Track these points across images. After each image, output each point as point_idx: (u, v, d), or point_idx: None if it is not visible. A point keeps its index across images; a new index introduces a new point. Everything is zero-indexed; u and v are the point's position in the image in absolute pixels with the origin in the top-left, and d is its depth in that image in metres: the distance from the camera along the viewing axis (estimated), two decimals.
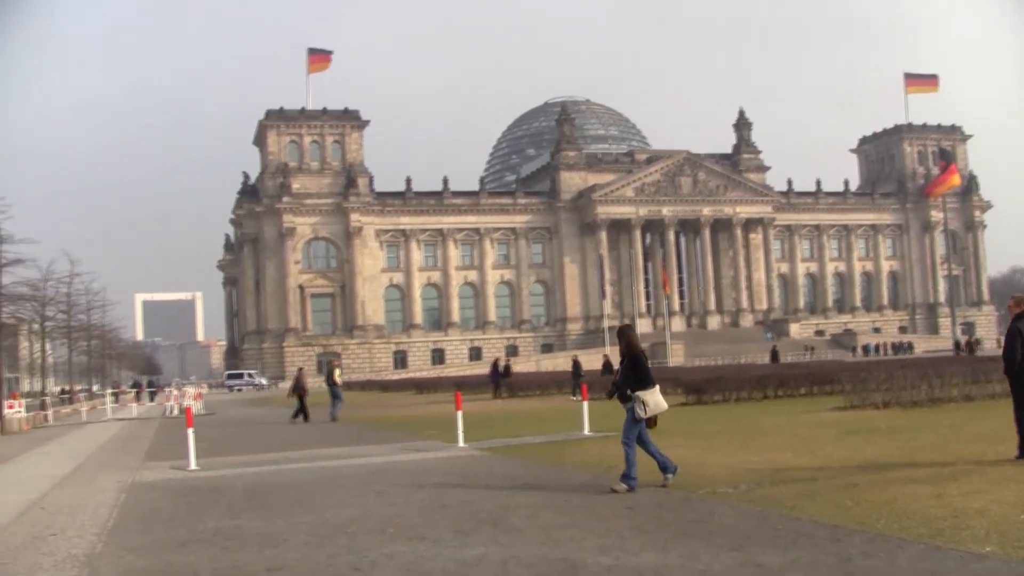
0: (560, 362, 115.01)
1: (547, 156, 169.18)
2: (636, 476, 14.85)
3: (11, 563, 11.61)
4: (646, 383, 15.21)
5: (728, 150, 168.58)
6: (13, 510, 16.39)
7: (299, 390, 41.09)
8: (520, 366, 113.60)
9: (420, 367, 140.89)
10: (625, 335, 15.81)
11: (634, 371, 15.36)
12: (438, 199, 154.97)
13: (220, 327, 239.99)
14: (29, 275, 50.03)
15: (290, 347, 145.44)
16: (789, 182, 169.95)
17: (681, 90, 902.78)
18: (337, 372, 42.73)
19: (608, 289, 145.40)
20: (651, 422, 15.33)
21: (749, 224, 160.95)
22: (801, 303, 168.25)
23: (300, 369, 45.13)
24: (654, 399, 15.26)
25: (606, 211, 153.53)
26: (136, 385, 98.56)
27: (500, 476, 17.74)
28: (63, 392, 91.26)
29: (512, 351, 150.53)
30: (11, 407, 50.94)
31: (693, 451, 19.81)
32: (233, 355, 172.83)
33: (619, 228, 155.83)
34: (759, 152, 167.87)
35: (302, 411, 39.77)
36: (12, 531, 14.16)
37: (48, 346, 73.09)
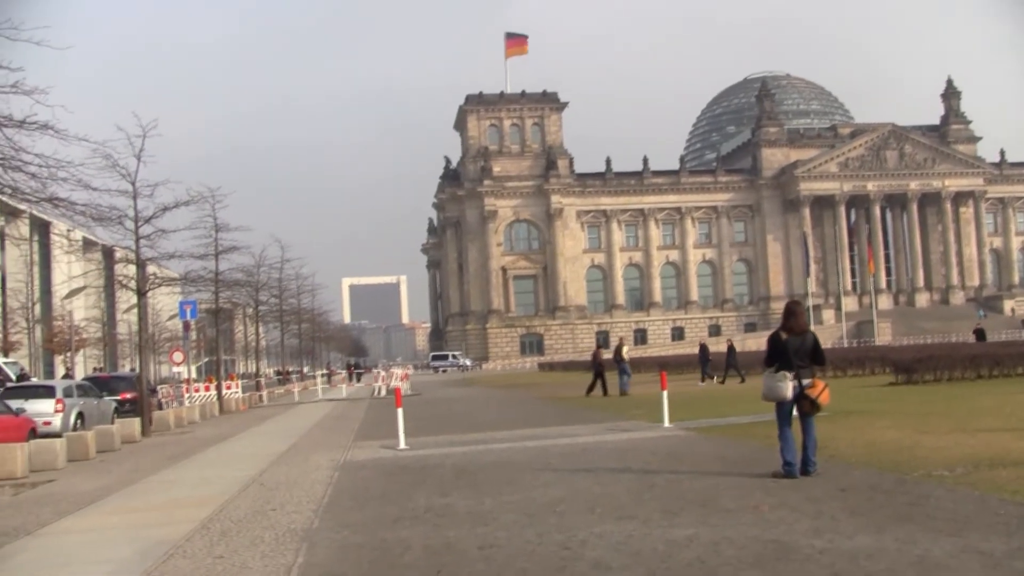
0: (764, 342, 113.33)
1: (748, 133, 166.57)
2: (792, 461, 14.27)
3: (236, 536, 12.05)
4: (773, 364, 14.53)
5: (935, 121, 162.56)
6: (235, 486, 17.04)
7: (596, 365, 42.46)
8: (722, 346, 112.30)
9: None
10: (792, 311, 14.93)
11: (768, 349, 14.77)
12: (638, 179, 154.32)
13: (424, 309, 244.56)
14: (244, 262, 51.93)
15: (493, 328, 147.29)
16: (1002, 153, 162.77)
17: (884, 60, 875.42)
18: (625, 349, 43.67)
19: (812, 267, 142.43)
20: (807, 406, 14.63)
21: (959, 198, 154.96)
22: (1016, 279, 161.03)
23: (598, 346, 49.00)
24: (767, 383, 14.64)
25: (809, 187, 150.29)
26: (346, 366, 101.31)
27: (707, 456, 17.55)
28: (278, 373, 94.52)
29: (714, 330, 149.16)
30: (228, 388, 53.02)
31: (904, 432, 19.23)
32: (437, 337, 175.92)
33: (823, 204, 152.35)
34: (969, 122, 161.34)
35: (601, 385, 40.81)
36: (236, 505, 14.72)
37: (261, 329, 75.63)
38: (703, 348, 49.82)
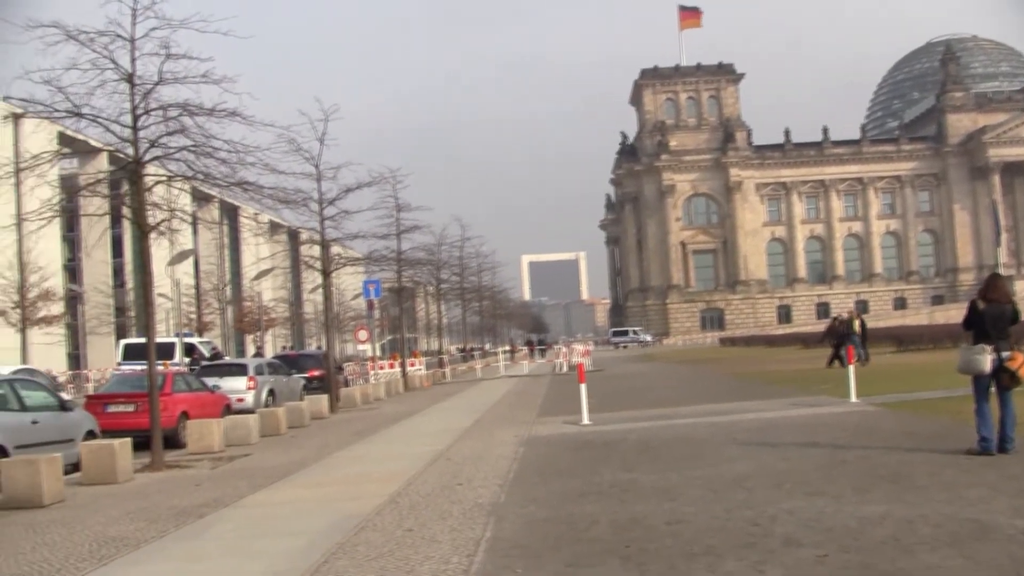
0: (953, 314, 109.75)
1: (932, 99, 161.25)
2: (989, 436, 13.70)
3: (424, 509, 12.26)
4: (970, 331, 13.95)
5: None
6: (422, 461, 17.34)
7: (835, 336, 42.61)
8: (909, 319, 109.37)
9: (805, 321, 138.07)
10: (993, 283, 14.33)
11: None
12: (818, 150, 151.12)
13: (603, 285, 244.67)
14: (425, 241, 52.60)
15: (673, 304, 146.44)
16: None
17: None
18: (856, 323, 43.50)
19: (1003, 236, 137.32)
20: (1007, 380, 13.94)
21: None
22: None
23: (834, 318, 48.84)
24: (964, 356, 14.05)
25: (998, 153, 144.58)
26: (527, 343, 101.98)
27: (897, 432, 17.08)
28: (462, 350, 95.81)
29: (899, 303, 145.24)
30: (412, 365, 53.98)
31: None
32: (617, 312, 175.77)
33: (1013, 171, 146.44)
34: None
35: (836, 357, 40.64)
36: (423, 480, 14.98)
37: (443, 307, 76.72)
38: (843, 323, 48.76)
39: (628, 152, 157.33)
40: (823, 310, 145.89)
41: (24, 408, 18.32)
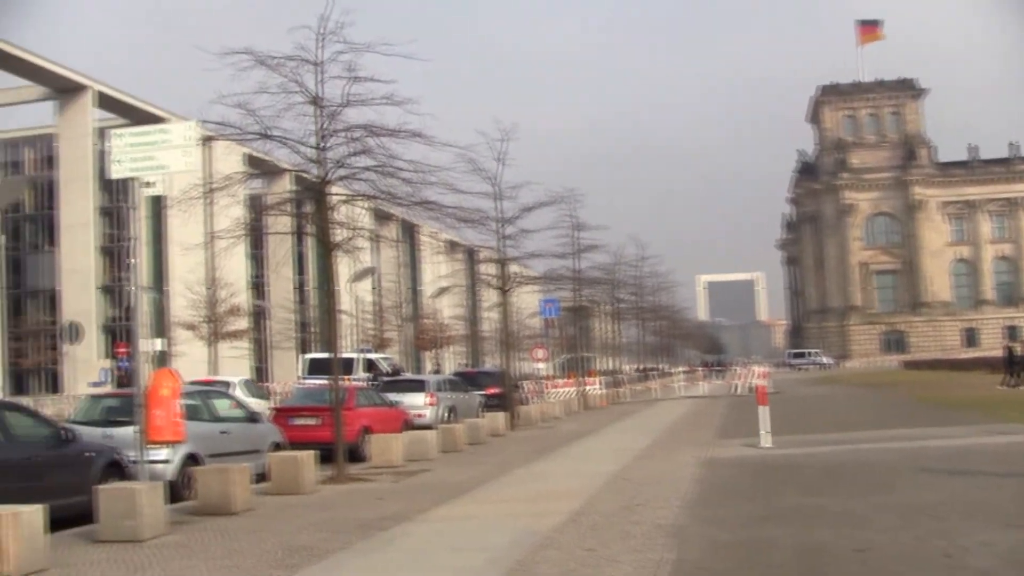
0: None
1: None
2: None
3: (605, 529, 12.23)
4: None
5: None
6: (601, 480, 17.31)
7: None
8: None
9: (992, 345, 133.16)
10: None
11: None
12: (1006, 166, 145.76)
13: (781, 306, 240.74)
14: (602, 260, 52.52)
15: (853, 325, 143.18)
16: None
17: None
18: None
19: None
20: None
21: None
22: None
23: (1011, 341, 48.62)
24: None
25: None
26: (704, 363, 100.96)
27: None
28: (640, 370, 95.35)
29: None
30: (590, 384, 53.92)
31: None
32: (795, 334, 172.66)
33: None
34: None
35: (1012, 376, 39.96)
36: (603, 499, 14.95)
37: (620, 326, 76.50)
38: (1009, 350, 47.28)
39: (806, 170, 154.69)
40: (1011, 333, 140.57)
41: (215, 419, 18.99)
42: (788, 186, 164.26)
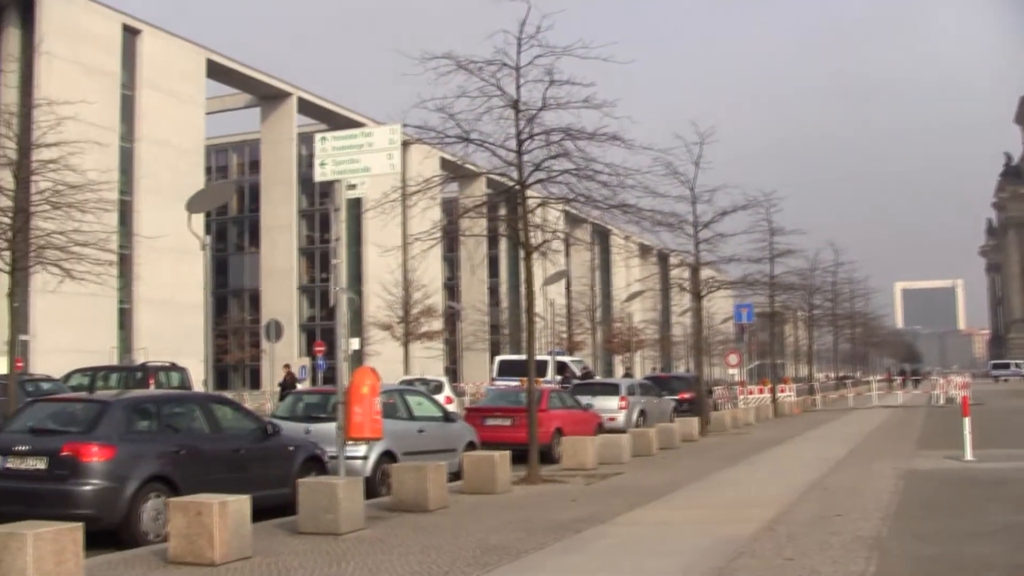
0: None
1: None
2: None
3: (803, 538, 11.98)
4: None
5: None
6: (796, 489, 16.98)
7: None
8: None
9: None
10: None
11: None
12: None
13: (982, 315, 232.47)
14: (797, 265, 51.43)
15: None
16: None
17: None
18: None
19: None
20: None
21: None
22: None
23: None
24: None
25: None
26: (900, 372, 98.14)
27: None
28: (837, 378, 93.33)
29: None
30: (783, 391, 53.02)
31: None
32: (997, 344, 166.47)
33: None
34: None
35: None
36: (799, 508, 14.66)
37: (814, 333, 74.98)
38: None
39: (1012, 174, 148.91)
40: None
41: (412, 418, 19.35)
42: (994, 190, 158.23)
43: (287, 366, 43.10)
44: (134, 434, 13.48)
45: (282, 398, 37.34)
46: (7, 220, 23.05)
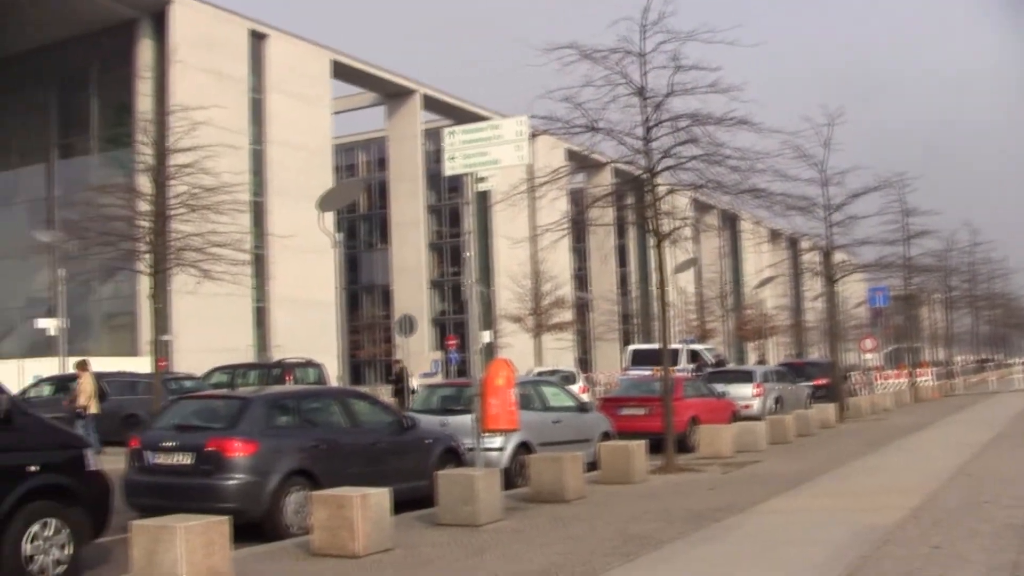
0: None
1: None
2: None
3: (950, 526, 11.69)
4: None
5: None
6: (940, 475, 16.59)
7: None
8: None
9: None
10: None
11: None
12: None
13: None
14: (933, 246, 50.23)
15: None
16: None
17: None
18: None
19: None
20: None
21: None
22: None
23: None
24: None
25: None
26: None
27: None
28: (977, 361, 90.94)
29: None
30: (920, 375, 51.90)
31: None
32: None
33: None
34: None
35: None
36: (945, 495, 14.31)
37: (952, 315, 73.16)
38: None
39: None
40: None
41: (547, 408, 19.39)
42: None
43: (398, 361, 43.39)
44: (275, 429, 13.76)
45: (395, 393, 37.89)
46: (147, 224, 23.76)
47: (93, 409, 24.84)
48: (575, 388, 34.46)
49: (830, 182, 32.44)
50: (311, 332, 56.69)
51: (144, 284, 33.40)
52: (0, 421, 9.91)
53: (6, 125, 68.25)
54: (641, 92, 19.23)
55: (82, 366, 25.55)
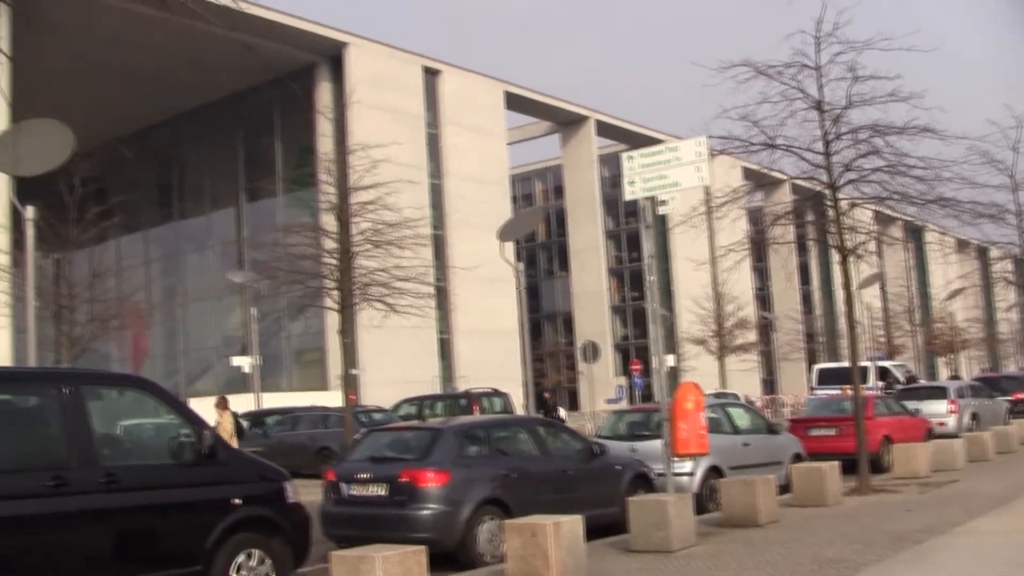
0: None
1: None
2: None
3: None
4: None
5: None
6: None
7: None
8: None
9: None
10: None
11: None
12: None
13: None
14: None
15: None
16: None
17: None
18: None
19: None
20: None
21: None
22: None
23: None
24: None
25: None
26: None
27: None
28: None
29: None
30: None
31: None
32: None
33: None
34: None
35: None
36: None
37: None
38: None
39: None
40: None
41: (736, 431, 19.17)
42: None
43: (550, 392, 43.26)
44: (466, 459, 13.94)
45: None
46: (334, 261, 24.40)
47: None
48: None
49: (1020, 187, 31.33)
50: (495, 362, 57.34)
51: (332, 320, 34.18)
52: (205, 456, 10.29)
53: (199, 172, 71.26)
54: (819, 106, 18.94)
55: (221, 404, 25.39)
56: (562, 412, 41.68)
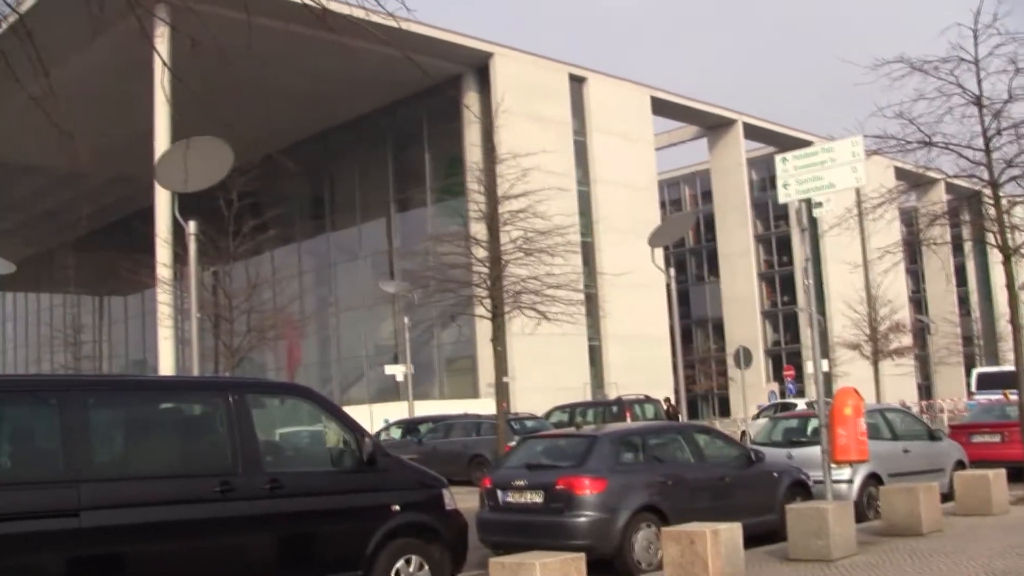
0: None
1: None
2: None
3: None
4: None
5: None
6: None
7: None
8: None
9: None
10: None
11: None
12: None
13: None
14: None
15: None
16: None
17: None
18: None
19: None
20: None
21: None
22: None
23: None
24: None
25: None
26: None
27: None
28: None
29: None
30: None
31: None
32: None
33: None
34: None
35: None
36: None
37: None
38: None
39: None
40: None
41: (896, 437, 18.74)
42: None
43: (668, 399, 42.57)
44: (622, 466, 13.91)
45: None
46: (485, 269, 24.61)
47: None
48: None
49: None
50: (645, 368, 57.06)
51: (483, 328, 34.43)
52: (365, 463, 10.47)
53: (349, 184, 72.53)
54: (978, 101, 18.41)
55: None
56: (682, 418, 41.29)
